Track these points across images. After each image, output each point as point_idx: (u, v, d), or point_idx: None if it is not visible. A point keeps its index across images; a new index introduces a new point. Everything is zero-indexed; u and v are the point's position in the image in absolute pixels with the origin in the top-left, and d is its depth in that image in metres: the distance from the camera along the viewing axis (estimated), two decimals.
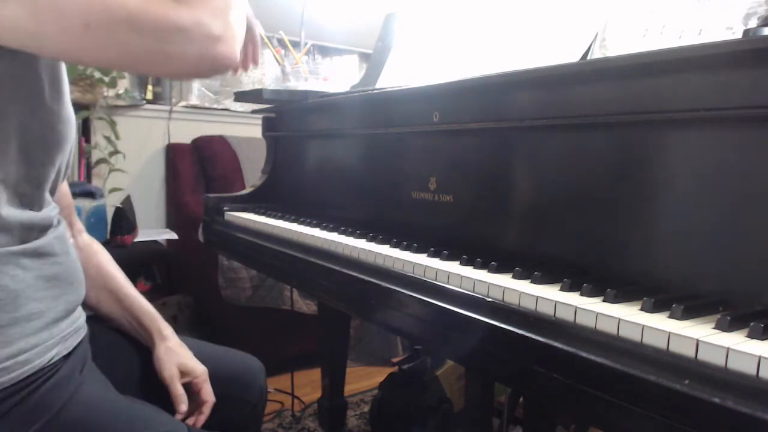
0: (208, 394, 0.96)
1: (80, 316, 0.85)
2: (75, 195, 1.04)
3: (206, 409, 0.96)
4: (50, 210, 0.80)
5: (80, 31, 0.63)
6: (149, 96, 2.65)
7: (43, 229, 0.77)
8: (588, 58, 0.91)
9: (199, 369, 0.97)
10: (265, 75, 2.98)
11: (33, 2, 0.62)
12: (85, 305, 0.88)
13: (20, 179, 0.73)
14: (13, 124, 0.71)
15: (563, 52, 0.95)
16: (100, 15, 0.63)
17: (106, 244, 2.00)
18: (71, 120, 0.80)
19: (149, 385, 0.95)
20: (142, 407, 0.86)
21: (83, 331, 0.85)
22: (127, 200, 2.11)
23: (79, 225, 1.03)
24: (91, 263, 0.99)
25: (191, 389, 0.96)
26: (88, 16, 0.63)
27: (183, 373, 0.96)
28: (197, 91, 2.78)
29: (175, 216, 2.61)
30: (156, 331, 0.98)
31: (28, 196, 0.75)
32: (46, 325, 0.75)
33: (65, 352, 0.78)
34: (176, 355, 0.97)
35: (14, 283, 0.71)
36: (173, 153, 2.62)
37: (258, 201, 1.58)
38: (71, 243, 0.85)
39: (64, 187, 0.97)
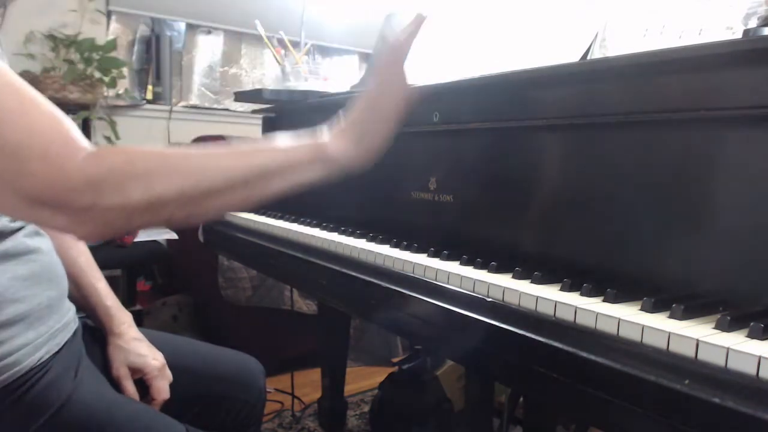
0: (158, 392, 0.92)
1: (69, 310, 0.84)
2: None
3: (155, 407, 0.92)
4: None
5: None
6: (149, 96, 2.66)
7: (9, 232, 0.76)
8: (588, 58, 0.91)
9: (151, 365, 0.93)
10: (265, 75, 2.98)
11: None
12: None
13: None
14: None
15: (563, 52, 0.95)
16: None
17: (106, 244, 2.00)
18: None
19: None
20: (140, 406, 0.87)
21: (73, 326, 0.84)
22: None
23: None
24: (55, 240, 0.89)
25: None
26: None
27: (135, 371, 0.93)
28: (197, 91, 2.78)
29: None
30: (108, 328, 0.95)
31: None
32: (31, 324, 0.75)
33: (56, 349, 0.78)
34: (125, 352, 0.93)
35: None
36: None
37: None
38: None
39: None
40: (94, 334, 0.96)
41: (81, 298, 0.97)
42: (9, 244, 0.75)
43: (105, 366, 0.93)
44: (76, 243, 0.99)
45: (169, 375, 0.95)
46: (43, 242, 0.82)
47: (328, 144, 0.68)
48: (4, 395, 0.70)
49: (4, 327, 0.72)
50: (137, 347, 0.95)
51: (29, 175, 0.52)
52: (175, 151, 0.59)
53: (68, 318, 0.83)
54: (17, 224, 0.79)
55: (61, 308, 0.82)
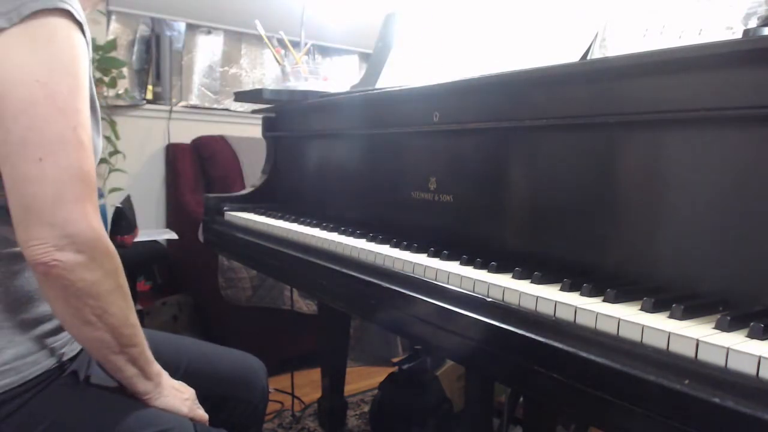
0: (202, 414, 0.92)
1: None
2: None
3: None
4: None
5: (34, 161, 0.66)
6: (149, 96, 2.66)
7: None
8: (588, 58, 0.91)
9: (188, 391, 0.92)
10: (265, 75, 2.98)
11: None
12: None
13: None
14: None
15: (563, 52, 0.95)
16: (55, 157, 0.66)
17: None
18: (99, 150, 0.83)
19: None
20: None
21: None
22: (127, 200, 2.11)
23: None
24: None
25: None
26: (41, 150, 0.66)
27: None
28: (197, 91, 2.78)
29: (175, 216, 2.61)
30: None
31: None
32: (55, 328, 0.75)
33: (71, 354, 0.78)
34: None
35: (28, 285, 0.72)
36: (173, 153, 2.62)
37: (258, 201, 1.58)
38: None
39: None
40: None
41: None
42: None
43: None
44: None
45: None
46: None
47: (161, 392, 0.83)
48: (19, 393, 0.71)
49: (31, 325, 0.73)
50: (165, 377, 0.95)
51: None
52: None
53: None
54: None
55: None
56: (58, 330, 0.76)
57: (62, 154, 0.66)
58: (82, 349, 0.81)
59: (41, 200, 0.65)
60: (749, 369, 0.49)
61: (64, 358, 0.77)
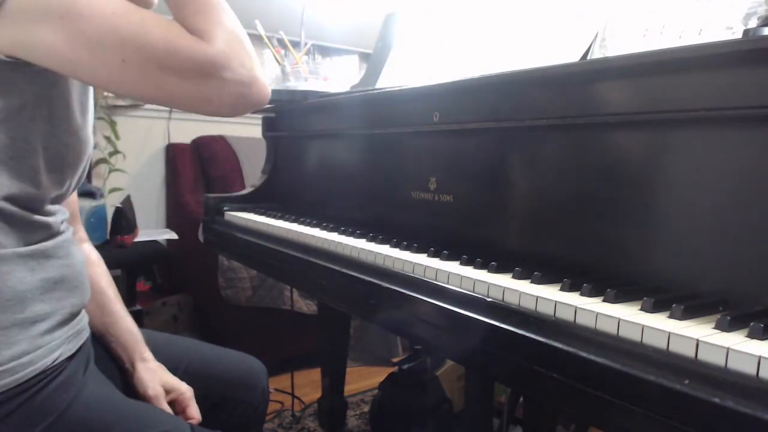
0: (195, 412, 0.94)
1: (83, 317, 0.85)
2: None
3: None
4: (59, 215, 0.80)
5: (117, 65, 0.65)
6: None
7: (51, 232, 0.77)
8: (588, 58, 0.91)
9: (185, 386, 0.95)
10: (264, 75, 2.98)
11: (72, 30, 0.63)
12: None
13: (30, 194, 0.73)
14: (34, 142, 0.72)
15: (563, 52, 0.95)
16: (135, 53, 0.65)
17: (106, 244, 2.00)
18: (90, 142, 0.81)
19: None
20: (145, 407, 0.87)
21: (86, 333, 0.85)
22: (127, 200, 2.11)
23: (82, 234, 1.01)
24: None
25: (176, 408, 0.94)
26: (123, 52, 0.65)
27: (167, 391, 0.94)
28: None
29: (175, 216, 2.61)
30: (137, 352, 0.96)
31: (36, 208, 0.75)
32: (51, 327, 0.75)
33: (69, 354, 0.78)
34: (158, 374, 0.95)
35: (21, 285, 0.72)
36: (173, 153, 2.62)
37: (258, 201, 1.58)
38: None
39: (72, 196, 0.96)
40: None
41: (105, 325, 0.96)
42: (50, 244, 0.76)
43: (116, 372, 0.94)
44: (95, 264, 1.00)
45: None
46: (78, 253, 0.83)
47: None
48: (15, 395, 0.70)
49: (25, 325, 0.72)
50: (165, 371, 0.96)
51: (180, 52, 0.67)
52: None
53: (82, 324, 0.84)
54: (64, 227, 0.80)
55: (78, 315, 0.83)
56: (54, 329, 0.76)
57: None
58: (79, 349, 0.81)
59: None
60: (749, 369, 0.49)
61: (61, 358, 0.76)
